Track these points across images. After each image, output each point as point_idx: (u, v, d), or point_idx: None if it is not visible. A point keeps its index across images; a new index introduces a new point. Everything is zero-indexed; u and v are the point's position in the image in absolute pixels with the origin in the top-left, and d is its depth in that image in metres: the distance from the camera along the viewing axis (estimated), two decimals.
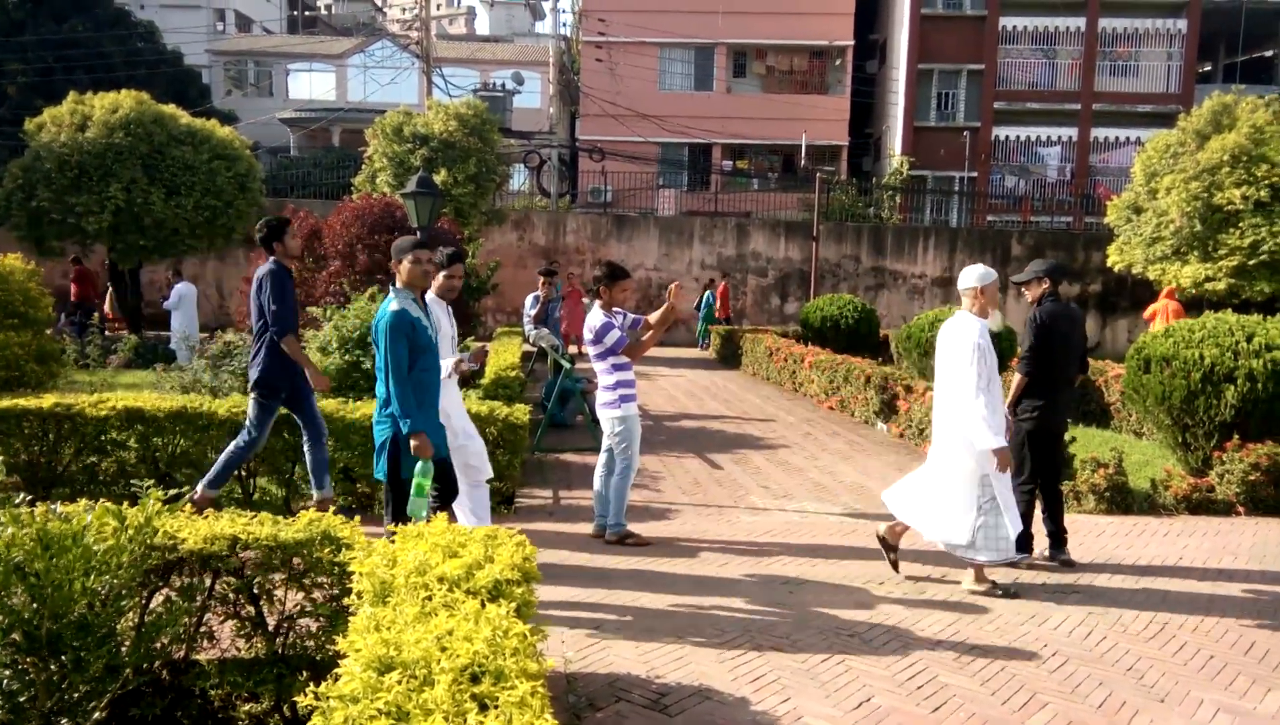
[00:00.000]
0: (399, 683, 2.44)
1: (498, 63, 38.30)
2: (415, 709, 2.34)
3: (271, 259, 6.49)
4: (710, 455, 9.69)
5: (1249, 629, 5.16)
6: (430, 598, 3.08)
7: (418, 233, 7.67)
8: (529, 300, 13.75)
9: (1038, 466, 6.33)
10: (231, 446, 6.49)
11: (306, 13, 54.65)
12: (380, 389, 5.09)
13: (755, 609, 5.23)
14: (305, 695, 2.46)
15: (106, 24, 30.32)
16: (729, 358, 19.20)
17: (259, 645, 3.97)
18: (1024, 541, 6.18)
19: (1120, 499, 7.91)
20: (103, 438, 6.85)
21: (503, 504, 7.48)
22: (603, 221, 24.60)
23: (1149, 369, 9.04)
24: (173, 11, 39.18)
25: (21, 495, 3.30)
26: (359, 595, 3.28)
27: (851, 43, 33.28)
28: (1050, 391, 6.18)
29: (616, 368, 6.41)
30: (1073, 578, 5.98)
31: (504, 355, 12.12)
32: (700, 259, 24.24)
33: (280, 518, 4.06)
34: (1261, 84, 30.79)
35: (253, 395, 6.52)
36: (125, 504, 3.44)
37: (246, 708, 4.07)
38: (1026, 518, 6.20)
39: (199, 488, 6.40)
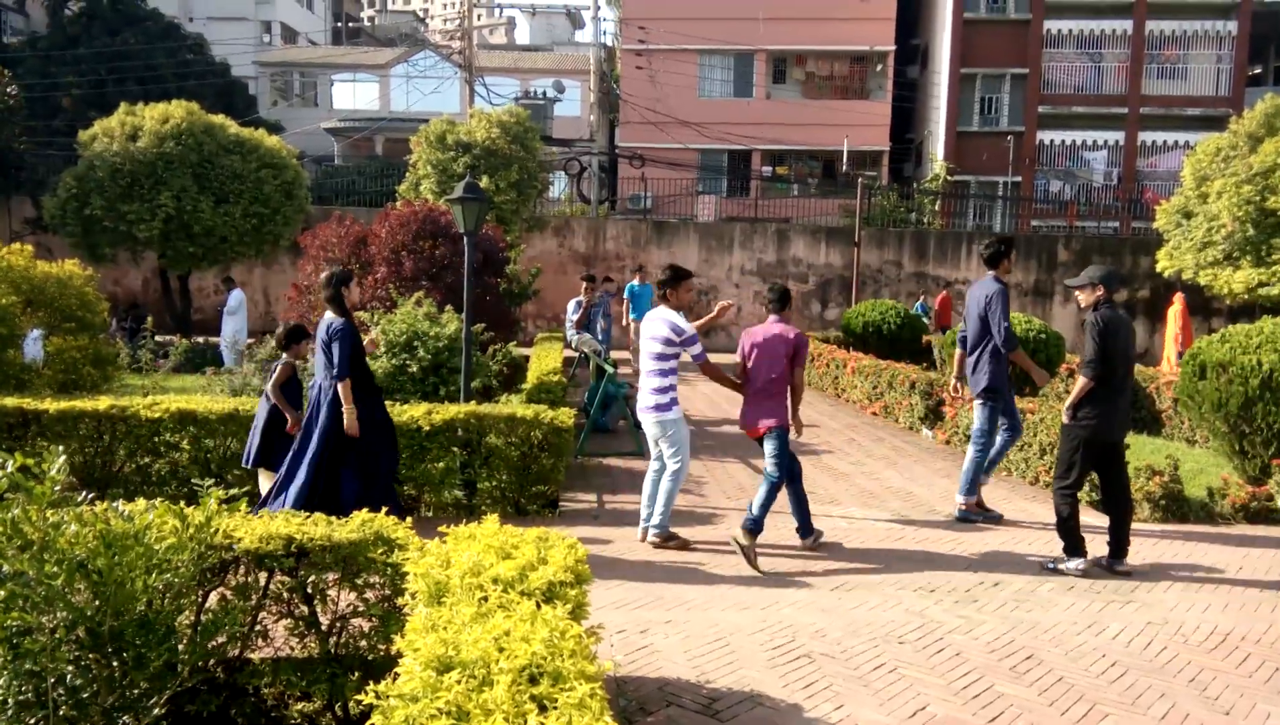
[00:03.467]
0: (459, 682, 2.44)
1: (538, 71, 38.52)
2: (475, 709, 2.33)
3: (992, 276, 7.22)
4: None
5: None
6: (485, 598, 3.08)
7: (464, 238, 7.70)
8: (571, 305, 13.82)
9: (1087, 473, 6.24)
10: (973, 454, 7.37)
11: (350, 24, 55.39)
12: None
13: (804, 615, 5.17)
14: (366, 694, 2.46)
15: (157, 37, 30.95)
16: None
17: (312, 645, 4.00)
18: (1077, 547, 6.08)
19: (1176, 507, 7.74)
20: (156, 439, 6.96)
21: (547, 507, 7.49)
22: (642, 227, 24.60)
23: (1204, 375, 8.84)
24: (221, 24, 39.93)
25: (84, 494, 3.36)
26: (414, 596, 3.29)
27: (893, 48, 33.01)
28: (1110, 399, 6.01)
29: (670, 372, 6.39)
30: (1130, 586, 5.85)
31: (546, 360, 12.15)
32: (740, 265, 24.16)
33: (333, 518, 4.09)
34: None
35: (980, 400, 7.34)
36: (182, 504, 3.48)
37: (299, 707, 4.11)
38: (1073, 522, 6.08)
39: (957, 498, 7.46)
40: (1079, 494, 6.25)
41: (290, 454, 6.18)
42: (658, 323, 6.40)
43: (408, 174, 19.76)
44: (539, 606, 3.02)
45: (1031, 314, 20.13)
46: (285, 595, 4.02)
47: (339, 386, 5.95)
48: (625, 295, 16.88)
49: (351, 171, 31.30)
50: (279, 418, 6.53)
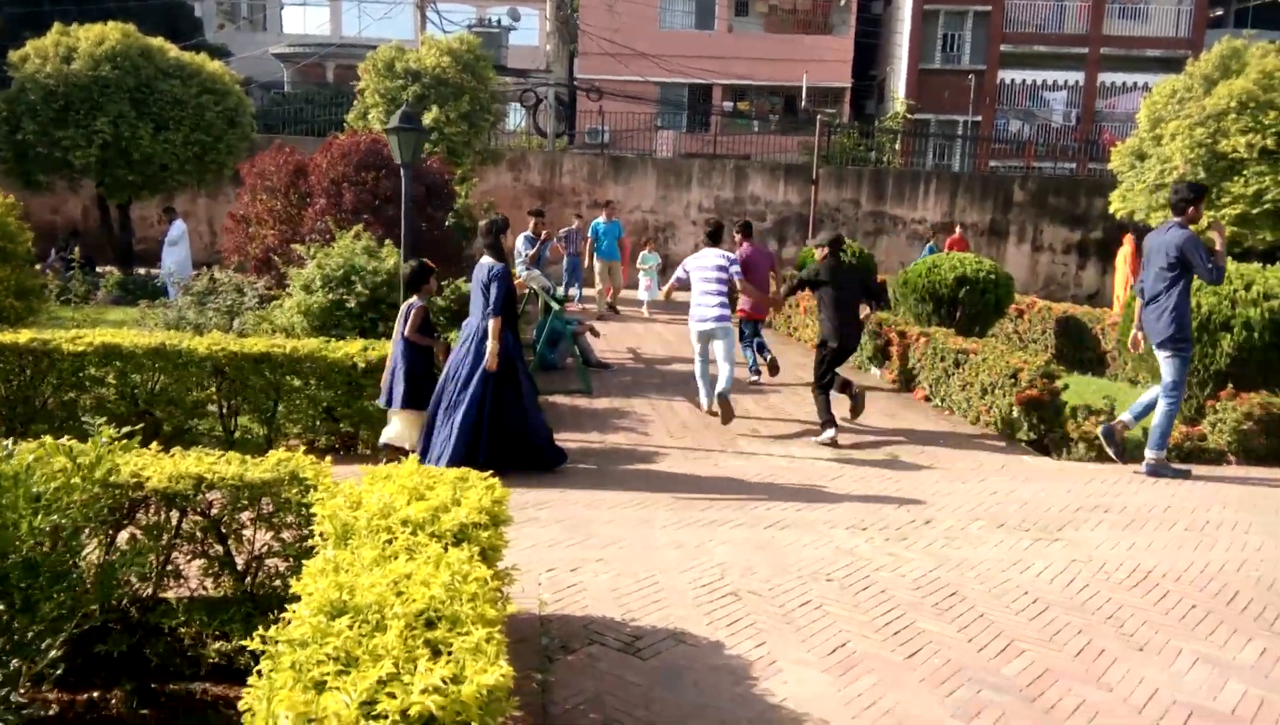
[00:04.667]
0: (350, 628, 2.37)
1: None
2: (364, 654, 2.27)
3: (1177, 222, 7.19)
4: (700, 399, 9.60)
5: (1233, 579, 5.12)
6: (392, 540, 3.01)
7: (401, 170, 7.48)
8: (520, 240, 13.58)
9: (831, 370, 8.40)
10: (1165, 407, 7.14)
11: None
12: None
13: (736, 553, 5.18)
14: (251, 639, 2.39)
15: None
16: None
17: (227, 584, 3.92)
18: (828, 422, 8.04)
19: None
20: (80, 374, 6.75)
21: None
22: (599, 162, 24.24)
23: None
24: None
25: None
26: (322, 537, 3.21)
27: None
28: (832, 318, 8.45)
29: (725, 292, 8.60)
30: (1058, 525, 5.93)
31: None
32: (698, 202, 23.94)
33: (249, 457, 3.99)
34: (1273, 29, 30.15)
35: (1169, 351, 7.13)
36: (69, 441, 3.35)
37: (216, 646, 4.04)
38: (824, 404, 8.19)
39: (1149, 453, 7.23)
40: None
41: (442, 391, 6.58)
42: (714, 256, 8.70)
43: (355, 103, 19.23)
44: (447, 549, 2.96)
45: (985, 254, 20.22)
46: (199, 535, 3.93)
47: (490, 323, 6.51)
48: (590, 234, 16.40)
49: (300, 99, 30.40)
50: (420, 359, 6.67)
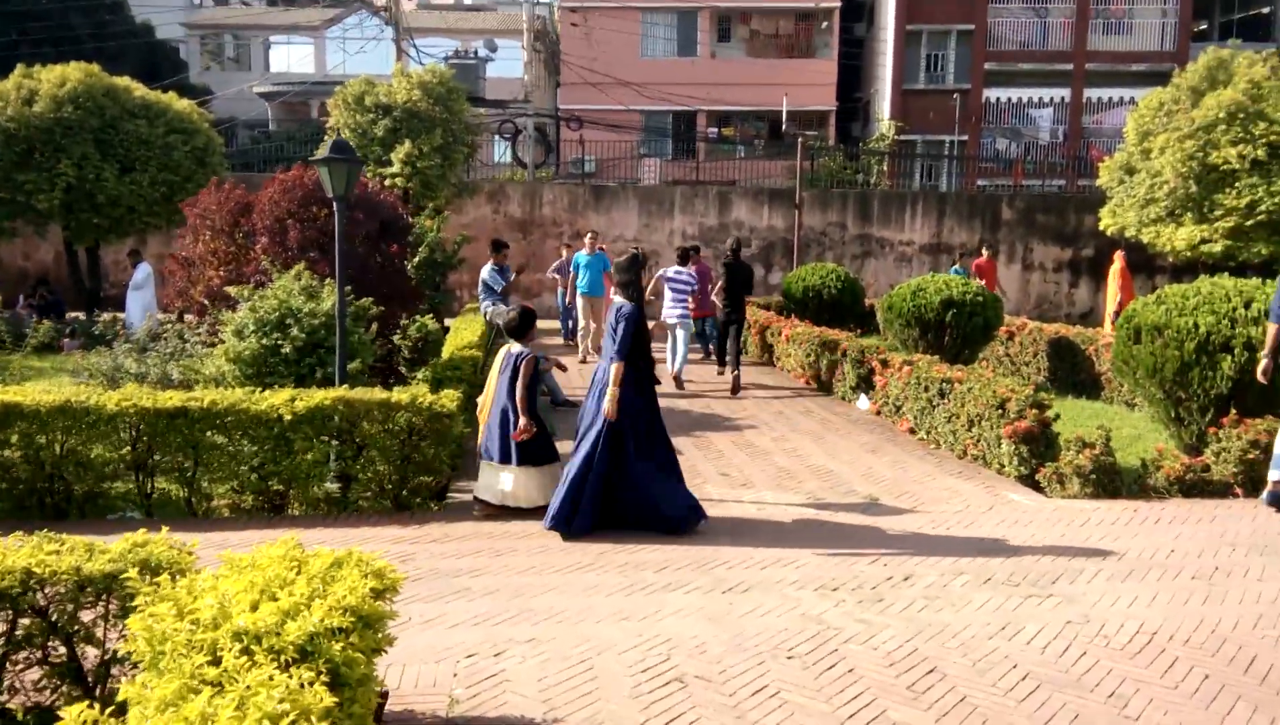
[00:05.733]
0: None
1: (477, 31, 37.23)
2: None
3: None
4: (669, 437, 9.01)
5: (1249, 639, 4.53)
6: (216, 661, 2.43)
7: (334, 202, 6.94)
8: (486, 272, 13.00)
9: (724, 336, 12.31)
10: None
11: None
12: None
13: (688, 625, 4.59)
14: None
15: None
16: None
17: (66, 695, 3.33)
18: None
19: (1107, 481, 7.27)
20: None
21: (432, 499, 6.84)
22: (580, 192, 23.78)
23: (1139, 338, 8.38)
24: None
25: None
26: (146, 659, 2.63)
27: (838, 4, 32.27)
28: (727, 304, 12.17)
29: (686, 300, 12.05)
30: (1051, 577, 5.35)
31: (464, 334, 11.44)
32: (681, 229, 23.46)
33: (97, 543, 3.42)
34: (1258, 41, 29.85)
35: None
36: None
37: None
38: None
39: (1274, 472, 6.62)
40: None
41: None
42: (684, 273, 12.21)
43: (325, 137, 18.76)
44: (284, 670, 2.38)
45: (973, 276, 19.67)
46: (38, 639, 3.35)
47: (613, 367, 5.98)
48: (572, 268, 15.35)
49: (281, 137, 30.07)
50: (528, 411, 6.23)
